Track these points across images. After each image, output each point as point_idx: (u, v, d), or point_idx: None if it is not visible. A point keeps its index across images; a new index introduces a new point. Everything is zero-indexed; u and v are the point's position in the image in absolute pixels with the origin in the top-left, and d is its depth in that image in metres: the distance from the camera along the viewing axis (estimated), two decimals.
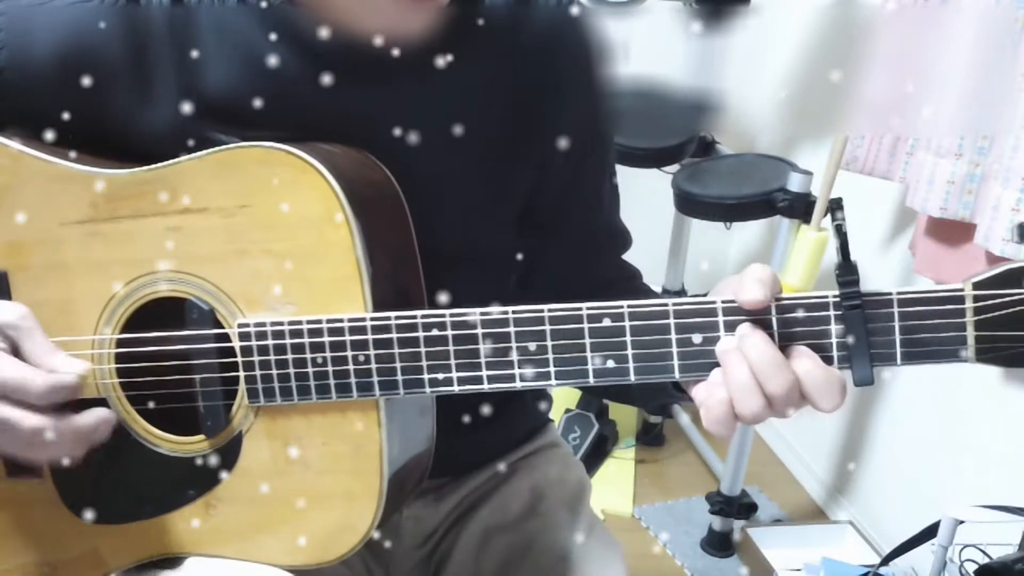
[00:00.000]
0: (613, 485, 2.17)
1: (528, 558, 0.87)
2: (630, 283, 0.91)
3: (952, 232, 1.60)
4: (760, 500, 2.11)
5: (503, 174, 0.79)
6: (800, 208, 1.68)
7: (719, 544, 1.99)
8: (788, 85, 2.18)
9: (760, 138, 2.22)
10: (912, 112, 1.60)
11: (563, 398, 2.21)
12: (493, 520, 0.90)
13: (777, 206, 1.70)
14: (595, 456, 2.06)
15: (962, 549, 1.43)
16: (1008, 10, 1.43)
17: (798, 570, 1.80)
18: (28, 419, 0.64)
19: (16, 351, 0.66)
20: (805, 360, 0.59)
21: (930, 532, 1.42)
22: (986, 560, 1.40)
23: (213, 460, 0.71)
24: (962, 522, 1.38)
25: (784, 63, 2.18)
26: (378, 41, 0.69)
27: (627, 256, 0.92)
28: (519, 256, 0.84)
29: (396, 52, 0.69)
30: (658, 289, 2.16)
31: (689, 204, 1.81)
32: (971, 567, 1.41)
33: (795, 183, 1.69)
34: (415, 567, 0.92)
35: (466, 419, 0.74)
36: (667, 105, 1.89)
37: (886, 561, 1.53)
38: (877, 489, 2.01)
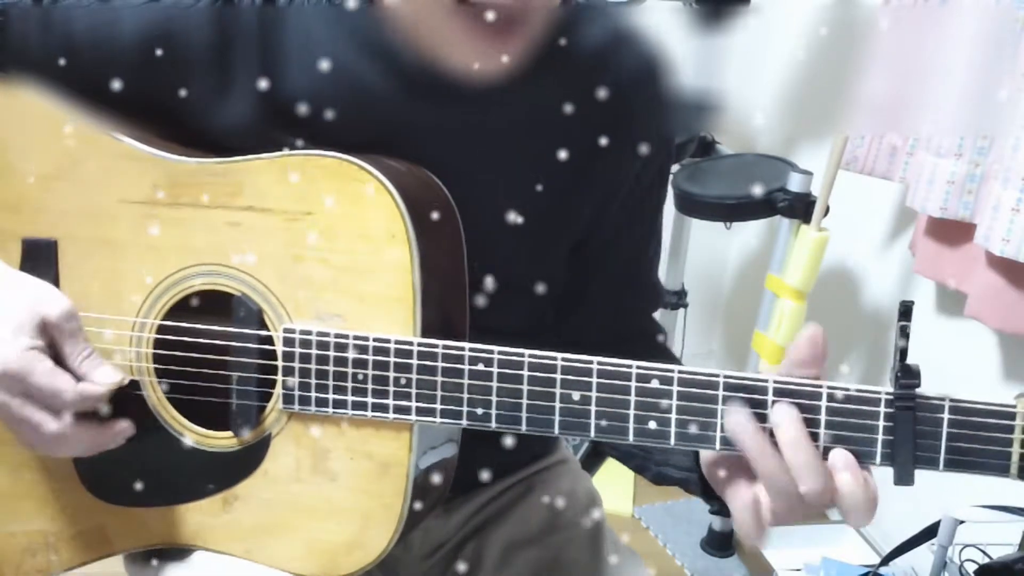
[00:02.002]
0: (613, 485, 2.16)
1: (558, 572, 0.87)
2: (656, 341, 0.91)
3: (952, 232, 1.60)
4: None
5: (565, 208, 0.79)
6: (800, 208, 1.68)
7: (719, 544, 1.99)
8: (788, 85, 2.18)
9: (760, 138, 2.22)
10: (912, 112, 1.60)
11: None
12: (514, 536, 0.89)
13: (777, 206, 1.70)
14: (595, 456, 2.05)
15: (962, 549, 1.43)
16: (1008, 10, 1.43)
17: (798, 570, 1.80)
18: (51, 424, 0.65)
19: (55, 349, 0.66)
20: (847, 475, 0.59)
21: (930, 532, 1.42)
22: (986, 560, 1.40)
23: (238, 458, 0.71)
24: (962, 522, 1.38)
25: (784, 63, 2.17)
26: (458, 67, 0.67)
27: None
28: (561, 291, 0.83)
29: (475, 77, 0.68)
30: None
31: (689, 204, 1.81)
32: (971, 567, 1.41)
33: (795, 183, 1.69)
34: None
35: (478, 436, 0.74)
36: None
37: (886, 561, 1.53)
38: (877, 489, 2.00)
